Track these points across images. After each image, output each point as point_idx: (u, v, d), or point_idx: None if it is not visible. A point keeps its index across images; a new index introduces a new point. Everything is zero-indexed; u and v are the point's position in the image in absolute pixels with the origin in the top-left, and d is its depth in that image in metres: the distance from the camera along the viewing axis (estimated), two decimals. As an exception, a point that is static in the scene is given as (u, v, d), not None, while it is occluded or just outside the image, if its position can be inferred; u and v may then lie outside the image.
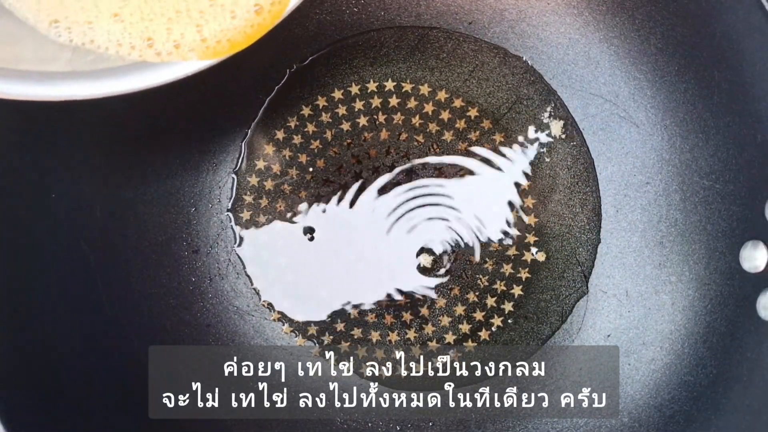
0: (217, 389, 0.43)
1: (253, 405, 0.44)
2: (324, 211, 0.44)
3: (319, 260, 0.44)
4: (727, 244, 0.40)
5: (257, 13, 0.34)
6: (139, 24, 0.34)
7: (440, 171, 0.44)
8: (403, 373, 0.44)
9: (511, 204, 0.44)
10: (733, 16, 0.37)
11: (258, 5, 0.34)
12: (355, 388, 0.44)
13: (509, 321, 0.44)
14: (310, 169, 0.45)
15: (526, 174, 0.44)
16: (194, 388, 0.43)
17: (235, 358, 0.44)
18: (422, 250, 0.44)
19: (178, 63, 0.33)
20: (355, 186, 0.44)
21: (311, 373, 0.44)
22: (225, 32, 0.34)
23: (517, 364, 0.44)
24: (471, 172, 0.44)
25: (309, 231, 0.44)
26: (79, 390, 0.39)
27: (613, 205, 0.44)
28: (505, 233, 0.44)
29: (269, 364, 0.44)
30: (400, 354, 0.44)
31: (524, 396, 0.44)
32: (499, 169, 0.44)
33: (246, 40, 0.34)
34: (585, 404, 0.43)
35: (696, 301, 0.41)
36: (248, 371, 0.44)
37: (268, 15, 0.34)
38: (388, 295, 0.44)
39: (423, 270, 0.44)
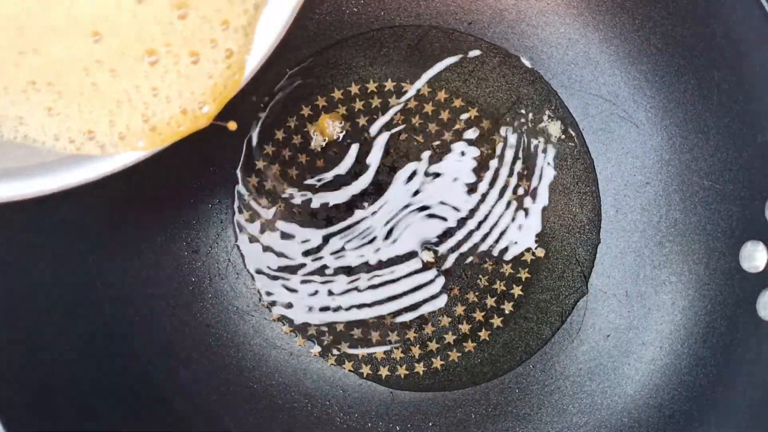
0: (216, 389, 0.44)
1: (252, 405, 0.44)
2: (324, 212, 0.44)
3: (319, 260, 0.44)
4: (727, 244, 0.40)
5: (203, 105, 0.32)
6: (77, 117, 0.31)
7: (439, 171, 0.44)
8: (403, 373, 0.44)
9: (510, 204, 0.44)
10: (733, 17, 0.37)
11: (202, 102, 0.32)
12: (354, 388, 0.44)
13: (509, 321, 0.44)
14: (310, 169, 0.44)
15: (525, 174, 0.44)
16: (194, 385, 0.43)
17: (235, 359, 0.44)
18: (423, 248, 0.44)
19: (123, 154, 0.31)
20: (356, 186, 0.44)
21: (311, 373, 0.44)
22: (176, 122, 0.32)
23: (517, 364, 0.44)
24: (469, 173, 0.44)
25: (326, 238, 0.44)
26: (78, 390, 0.39)
27: (612, 205, 0.44)
28: (505, 233, 0.44)
29: (269, 364, 0.44)
30: (399, 354, 0.44)
31: (524, 396, 0.44)
32: (498, 168, 0.44)
33: (198, 126, 0.32)
34: (585, 404, 0.43)
35: (696, 301, 0.41)
36: (248, 371, 0.44)
37: (214, 105, 0.32)
38: (388, 294, 0.44)
39: (424, 266, 0.44)
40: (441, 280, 0.44)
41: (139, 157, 0.31)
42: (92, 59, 0.31)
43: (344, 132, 0.44)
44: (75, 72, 0.31)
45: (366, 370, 0.44)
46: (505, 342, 0.44)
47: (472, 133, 0.44)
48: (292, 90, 0.45)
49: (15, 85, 0.31)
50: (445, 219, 0.44)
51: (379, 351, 0.44)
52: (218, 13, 0.30)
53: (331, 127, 0.44)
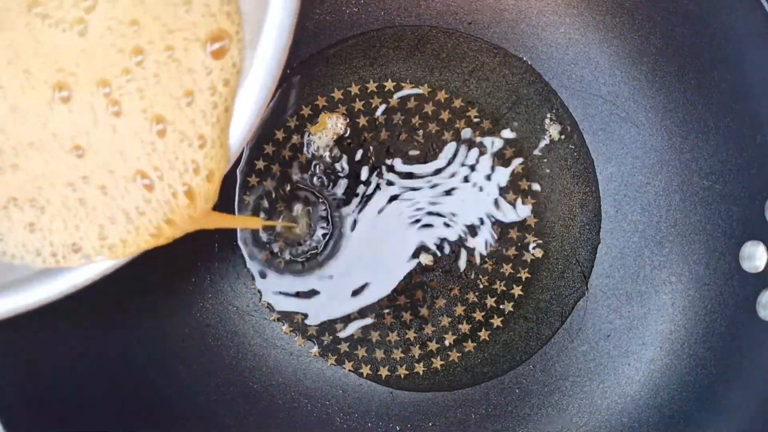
0: (216, 389, 0.44)
1: (252, 405, 0.44)
2: (324, 214, 0.44)
3: (318, 260, 0.44)
4: (727, 245, 0.40)
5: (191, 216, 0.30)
6: (62, 232, 0.30)
7: (439, 171, 0.44)
8: (403, 373, 0.44)
9: (510, 204, 0.44)
10: (733, 17, 0.37)
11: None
12: (354, 388, 0.44)
13: (509, 321, 0.44)
14: (310, 170, 0.44)
15: (525, 174, 0.44)
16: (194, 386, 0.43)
17: (234, 359, 0.44)
18: (422, 249, 0.44)
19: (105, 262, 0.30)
20: (355, 188, 0.44)
21: (311, 373, 0.44)
22: (181, 232, 0.30)
23: (517, 364, 0.44)
24: (469, 173, 0.44)
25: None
26: (78, 390, 0.39)
27: (612, 205, 0.44)
28: (505, 233, 0.44)
29: (269, 364, 0.44)
30: (399, 354, 0.44)
31: (524, 396, 0.44)
32: (497, 169, 0.44)
33: (209, 226, 0.31)
34: (585, 405, 0.43)
35: (696, 301, 0.41)
36: (248, 371, 0.44)
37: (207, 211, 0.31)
38: (389, 296, 0.44)
39: (424, 269, 0.44)
40: (441, 281, 0.44)
41: (122, 263, 0.30)
42: (77, 175, 0.30)
43: (347, 131, 0.44)
44: (58, 188, 0.30)
45: (366, 370, 0.44)
46: (505, 342, 0.44)
47: (472, 134, 0.44)
48: (292, 90, 0.45)
49: None
50: (444, 219, 0.44)
51: (378, 351, 0.44)
52: (193, 125, 0.30)
53: (333, 123, 0.44)
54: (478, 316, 0.44)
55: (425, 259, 0.44)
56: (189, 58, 0.30)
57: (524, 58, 0.45)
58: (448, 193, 0.44)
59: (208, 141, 0.30)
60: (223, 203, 0.45)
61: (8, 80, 0.30)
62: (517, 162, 0.44)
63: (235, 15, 0.30)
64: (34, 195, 0.30)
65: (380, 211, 0.44)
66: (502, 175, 0.44)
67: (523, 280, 0.44)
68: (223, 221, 0.32)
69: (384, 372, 0.44)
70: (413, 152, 0.44)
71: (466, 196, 0.44)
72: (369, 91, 0.45)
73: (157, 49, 0.30)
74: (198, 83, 0.30)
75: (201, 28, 0.30)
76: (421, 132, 0.45)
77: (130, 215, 0.30)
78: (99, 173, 0.30)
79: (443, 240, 0.44)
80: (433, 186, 0.44)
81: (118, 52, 0.30)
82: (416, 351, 0.44)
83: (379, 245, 0.44)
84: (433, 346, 0.44)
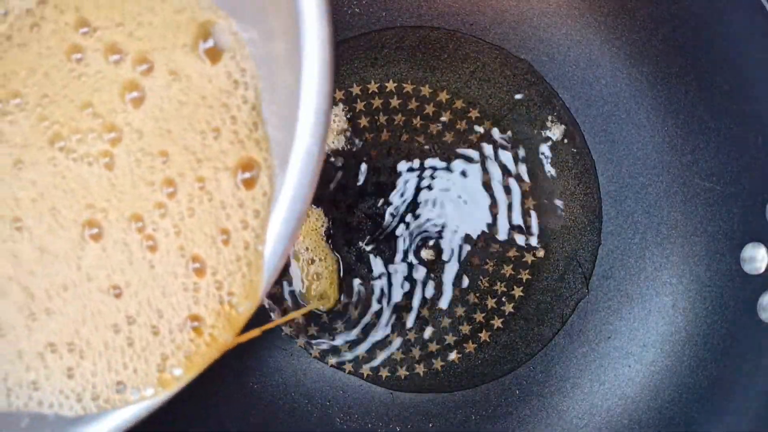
0: (216, 389, 0.44)
1: (252, 405, 0.44)
2: (325, 214, 0.44)
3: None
4: (728, 246, 0.40)
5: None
6: (105, 374, 0.28)
7: (440, 172, 0.44)
8: (404, 374, 0.44)
9: (511, 205, 0.44)
10: (734, 18, 0.37)
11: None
12: (355, 389, 0.44)
13: (510, 322, 0.44)
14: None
15: (526, 175, 0.44)
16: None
17: (235, 359, 0.44)
18: (423, 246, 0.44)
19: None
20: (356, 188, 0.44)
21: (311, 374, 0.44)
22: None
23: (518, 365, 0.44)
24: (470, 174, 0.44)
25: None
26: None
27: (613, 206, 0.44)
28: (505, 234, 0.44)
29: (269, 364, 0.44)
30: (400, 355, 0.44)
31: (525, 398, 0.44)
32: (499, 169, 0.44)
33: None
34: (585, 406, 0.43)
35: (696, 303, 0.41)
36: (248, 371, 0.44)
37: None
38: (389, 295, 0.44)
39: (426, 264, 0.44)
40: (440, 279, 0.44)
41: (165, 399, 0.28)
42: (120, 316, 0.28)
43: (350, 131, 0.44)
44: (100, 330, 0.28)
45: (366, 370, 0.44)
46: (506, 343, 0.44)
47: (473, 135, 0.44)
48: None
49: (30, 349, 0.28)
50: (445, 218, 0.44)
51: (379, 352, 0.44)
52: (231, 276, 0.28)
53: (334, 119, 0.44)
54: (479, 317, 0.44)
55: (426, 254, 0.44)
56: (221, 189, 0.28)
57: (526, 59, 0.45)
58: (448, 192, 0.44)
59: (237, 296, 0.28)
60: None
61: (34, 220, 0.28)
62: (518, 163, 0.44)
63: (263, 142, 0.28)
64: (72, 338, 0.28)
65: (378, 211, 0.44)
66: (503, 175, 0.44)
67: (524, 281, 0.44)
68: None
69: (384, 373, 0.44)
70: (414, 153, 0.44)
71: (467, 197, 0.44)
72: (370, 91, 0.45)
73: (188, 181, 0.28)
74: (232, 218, 0.28)
75: (230, 156, 0.28)
76: (422, 133, 0.45)
77: (184, 351, 0.29)
78: (146, 314, 0.28)
79: (444, 239, 0.44)
80: (434, 186, 0.44)
81: (148, 185, 0.28)
82: (417, 352, 0.44)
83: (377, 245, 0.44)
84: (433, 347, 0.44)
